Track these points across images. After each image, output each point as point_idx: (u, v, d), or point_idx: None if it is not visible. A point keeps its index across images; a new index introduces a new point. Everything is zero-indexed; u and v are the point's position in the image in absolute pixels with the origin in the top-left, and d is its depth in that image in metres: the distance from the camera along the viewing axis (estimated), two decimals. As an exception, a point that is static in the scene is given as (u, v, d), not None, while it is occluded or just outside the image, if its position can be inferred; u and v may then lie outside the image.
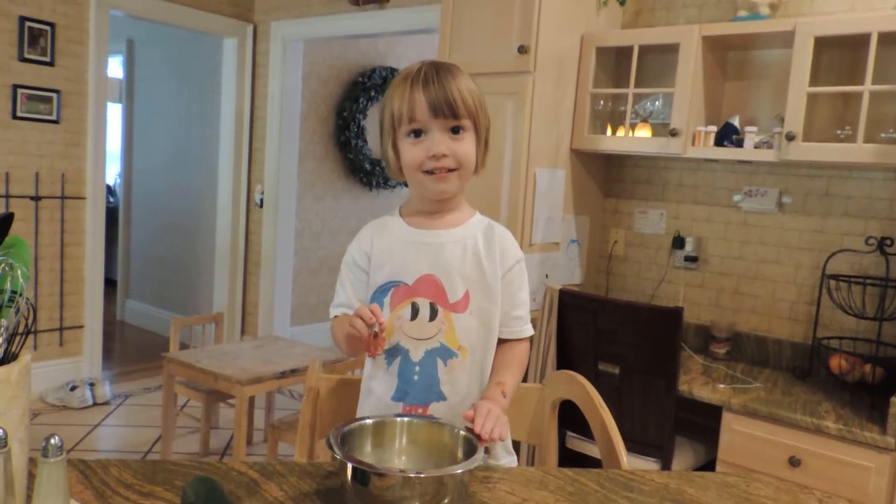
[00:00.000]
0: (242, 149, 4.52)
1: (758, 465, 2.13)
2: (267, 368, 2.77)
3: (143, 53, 5.43)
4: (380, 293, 1.24)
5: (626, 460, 1.12)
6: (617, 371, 2.31)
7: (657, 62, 2.78)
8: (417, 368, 1.21)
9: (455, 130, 1.20)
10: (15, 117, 3.57)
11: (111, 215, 5.85)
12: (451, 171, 1.21)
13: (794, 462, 2.06)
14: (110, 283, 5.80)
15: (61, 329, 3.81)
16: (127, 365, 4.41)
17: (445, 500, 0.84)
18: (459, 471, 0.84)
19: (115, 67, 6.00)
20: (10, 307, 0.79)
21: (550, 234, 2.74)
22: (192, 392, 3.02)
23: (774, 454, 2.11)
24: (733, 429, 2.18)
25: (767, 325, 2.68)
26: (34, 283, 3.68)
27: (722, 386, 2.30)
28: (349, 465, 0.82)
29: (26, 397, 0.80)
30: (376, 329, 1.09)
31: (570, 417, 2.41)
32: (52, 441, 0.70)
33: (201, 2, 4.26)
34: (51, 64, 3.66)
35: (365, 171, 5.06)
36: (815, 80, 2.35)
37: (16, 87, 3.55)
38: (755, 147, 2.45)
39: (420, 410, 1.20)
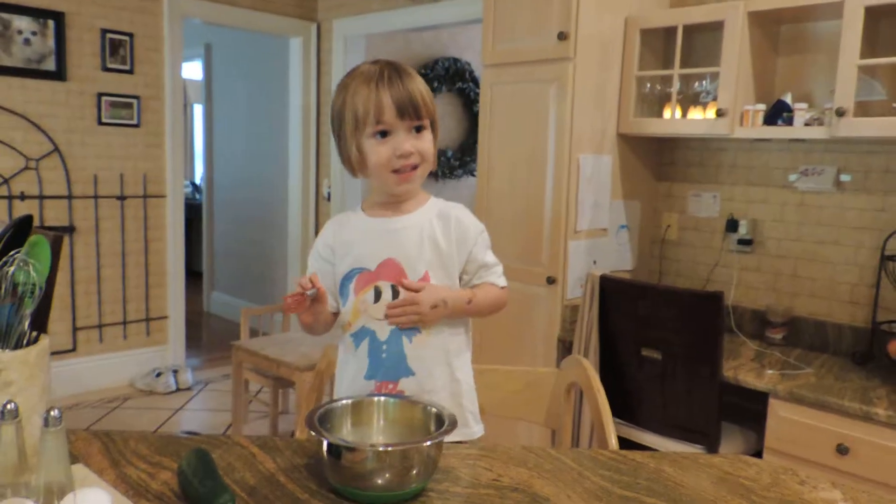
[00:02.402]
0: (310, 144, 4.70)
1: (805, 453, 2.09)
2: (326, 355, 2.90)
3: (219, 56, 5.70)
4: (346, 280, 1.33)
5: (615, 443, 1.15)
6: (660, 357, 2.30)
7: (706, 40, 2.72)
8: (385, 347, 1.30)
9: (418, 129, 1.28)
10: (100, 123, 3.85)
11: (197, 211, 6.20)
12: (414, 168, 1.29)
13: (841, 450, 2.01)
14: (197, 276, 6.16)
15: (147, 320, 4.09)
16: (209, 353, 4.69)
17: (413, 472, 0.91)
18: (426, 444, 0.91)
19: (196, 70, 6.33)
20: (31, 298, 0.91)
21: (598, 220, 2.74)
22: (260, 378, 3.20)
23: (822, 441, 2.05)
24: (780, 416, 2.14)
25: (827, 308, 2.59)
26: (122, 276, 3.97)
27: (770, 372, 2.26)
28: (325, 442, 0.90)
29: (45, 376, 0.91)
30: (312, 294, 1.19)
31: (619, 404, 2.43)
32: (52, 413, 0.81)
33: (268, 4, 4.45)
34: (130, 72, 3.92)
35: (430, 161, 5.15)
36: (871, 52, 2.25)
37: (100, 95, 3.83)
38: (805, 125, 2.37)
39: (391, 386, 1.29)
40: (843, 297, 2.55)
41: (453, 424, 0.96)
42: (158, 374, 3.91)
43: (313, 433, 0.91)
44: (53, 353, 3.74)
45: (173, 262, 4.15)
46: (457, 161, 5.29)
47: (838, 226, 2.56)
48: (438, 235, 1.33)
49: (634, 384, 2.39)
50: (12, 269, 0.89)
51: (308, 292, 1.20)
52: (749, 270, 2.78)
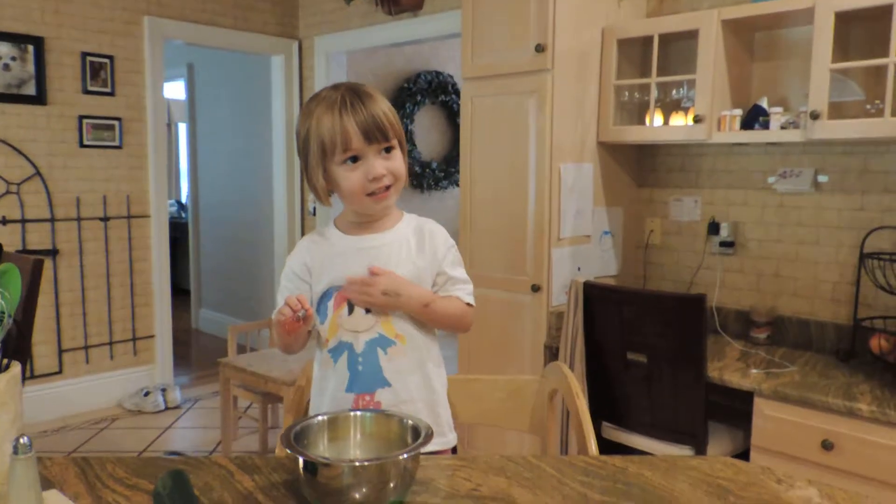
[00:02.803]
0: (294, 160, 4.70)
1: (791, 450, 2.10)
2: (313, 370, 2.90)
3: (202, 76, 5.71)
4: (324, 298, 1.33)
5: (595, 448, 1.16)
6: (645, 360, 2.31)
7: (683, 49, 2.75)
8: (361, 359, 1.30)
9: (387, 150, 1.29)
10: (82, 146, 3.84)
11: (183, 230, 6.19)
12: (388, 188, 1.29)
13: (826, 446, 2.02)
14: (185, 294, 6.14)
15: (134, 339, 4.07)
16: (198, 371, 4.67)
17: (391, 485, 0.91)
18: (401, 457, 0.91)
19: (180, 90, 6.33)
20: (0, 327, 0.91)
21: (581, 228, 2.76)
22: (248, 394, 3.19)
23: (807, 438, 2.07)
24: (765, 414, 2.15)
25: (810, 307, 2.61)
26: (107, 297, 3.95)
27: (754, 371, 2.27)
28: (300, 459, 0.90)
29: (16, 404, 0.91)
30: (302, 315, 1.19)
31: (608, 408, 2.44)
32: (22, 441, 0.81)
33: (250, 24, 4.46)
34: (111, 94, 3.92)
35: (415, 173, 5.17)
36: (843, 56, 2.29)
37: (81, 117, 3.82)
38: (781, 128, 2.40)
39: (368, 397, 1.30)
40: (826, 295, 2.58)
41: (429, 436, 0.96)
42: (147, 394, 3.89)
43: (288, 451, 0.91)
44: (39, 376, 3.72)
45: (159, 282, 4.14)
46: (442, 173, 5.31)
47: (818, 226, 2.59)
48: (414, 252, 1.34)
49: (622, 388, 2.40)
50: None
51: (299, 313, 1.19)
52: (732, 272, 2.80)
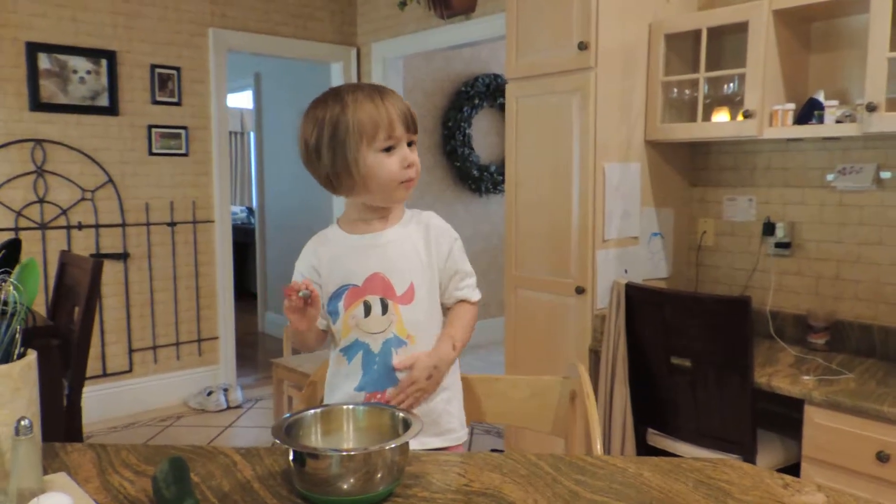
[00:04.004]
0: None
1: (844, 461, 2.00)
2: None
3: (268, 85, 5.89)
4: (335, 298, 1.35)
5: (600, 448, 1.13)
6: (689, 365, 2.24)
7: (734, 42, 2.66)
8: (378, 359, 1.32)
9: (410, 144, 1.32)
10: (151, 154, 4.02)
11: (252, 235, 6.39)
12: (412, 179, 1.32)
13: (882, 457, 1.91)
14: (252, 297, 6.33)
15: (199, 340, 4.23)
16: (261, 372, 4.80)
17: (378, 476, 0.92)
18: (387, 448, 0.92)
19: (248, 100, 6.55)
20: (17, 317, 0.97)
21: (627, 229, 2.71)
22: (300, 394, 3.26)
23: (861, 449, 1.96)
24: (816, 423, 2.05)
25: (872, 311, 2.48)
26: (174, 299, 4.12)
27: (806, 378, 2.17)
28: (290, 450, 0.93)
29: (31, 390, 0.97)
30: (305, 294, 1.21)
31: (652, 414, 2.38)
32: (23, 423, 0.86)
33: (309, 32, 4.58)
34: (178, 104, 4.09)
35: (473, 177, 5.18)
36: (902, 44, 2.17)
37: (150, 126, 4.01)
38: (837, 122, 2.29)
39: (378, 396, 1.31)
40: (890, 298, 2.44)
41: (417, 429, 0.97)
42: (210, 393, 4.03)
43: (277, 441, 0.93)
44: (111, 374, 3.92)
45: (222, 285, 4.29)
46: (500, 176, 5.30)
47: (881, 225, 2.45)
48: (420, 246, 1.35)
49: (666, 393, 2.34)
50: (1, 290, 0.95)
51: (301, 293, 1.22)
52: (789, 274, 2.68)
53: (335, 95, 1.32)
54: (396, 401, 1.30)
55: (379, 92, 1.29)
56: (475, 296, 1.41)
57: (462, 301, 1.40)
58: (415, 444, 1.19)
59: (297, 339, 1.36)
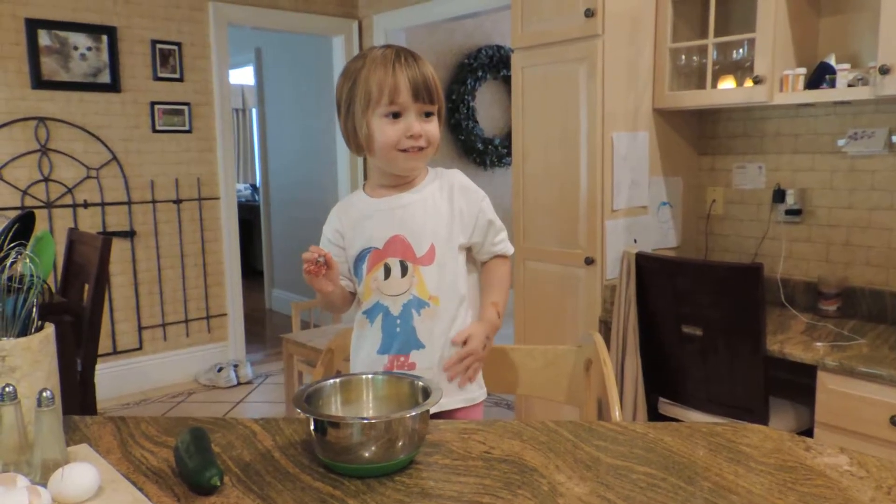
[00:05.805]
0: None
1: (857, 426, 2.00)
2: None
3: (269, 60, 5.84)
4: (359, 261, 1.36)
5: (618, 414, 1.13)
6: (700, 333, 2.24)
7: (743, 6, 2.62)
8: (399, 321, 1.32)
9: (427, 114, 1.30)
10: (154, 131, 4.00)
11: (257, 212, 6.38)
12: (421, 149, 1.30)
13: None
14: (259, 274, 6.34)
15: (208, 317, 4.24)
16: (270, 348, 4.82)
17: (399, 444, 0.92)
18: (408, 416, 0.92)
19: (249, 75, 6.50)
20: (34, 290, 0.96)
21: (636, 198, 2.69)
22: (311, 369, 3.27)
23: (874, 414, 1.96)
24: (829, 389, 2.05)
25: (884, 277, 2.46)
26: (182, 276, 4.13)
27: (819, 344, 2.17)
28: (311, 418, 0.93)
29: (50, 362, 0.97)
30: (321, 260, 1.25)
31: (663, 383, 2.39)
32: (45, 394, 0.86)
33: (310, 5, 4.52)
34: (180, 80, 4.06)
35: (478, 150, 5.15)
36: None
37: (153, 103, 3.98)
38: (849, 85, 2.26)
39: (402, 359, 1.32)
40: (902, 264, 2.42)
41: (437, 397, 0.97)
42: (220, 369, 4.05)
43: (298, 410, 0.93)
44: (122, 352, 3.93)
45: (229, 261, 4.29)
46: (504, 149, 5.27)
47: (893, 190, 2.43)
48: (443, 206, 1.35)
49: (677, 362, 2.34)
50: (17, 263, 0.95)
51: (318, 259, 1.25)
52: (799, 242, 2.67)
53: (362, 55, 1.34)
54: (454, 372, 1.33)
55: (399, 57, 1.28)
56: (510, 249, 1.43)
57: (497, 256, 1.42)
58: (434, 407, 1.19)
59: (323, 301, 1.38)
